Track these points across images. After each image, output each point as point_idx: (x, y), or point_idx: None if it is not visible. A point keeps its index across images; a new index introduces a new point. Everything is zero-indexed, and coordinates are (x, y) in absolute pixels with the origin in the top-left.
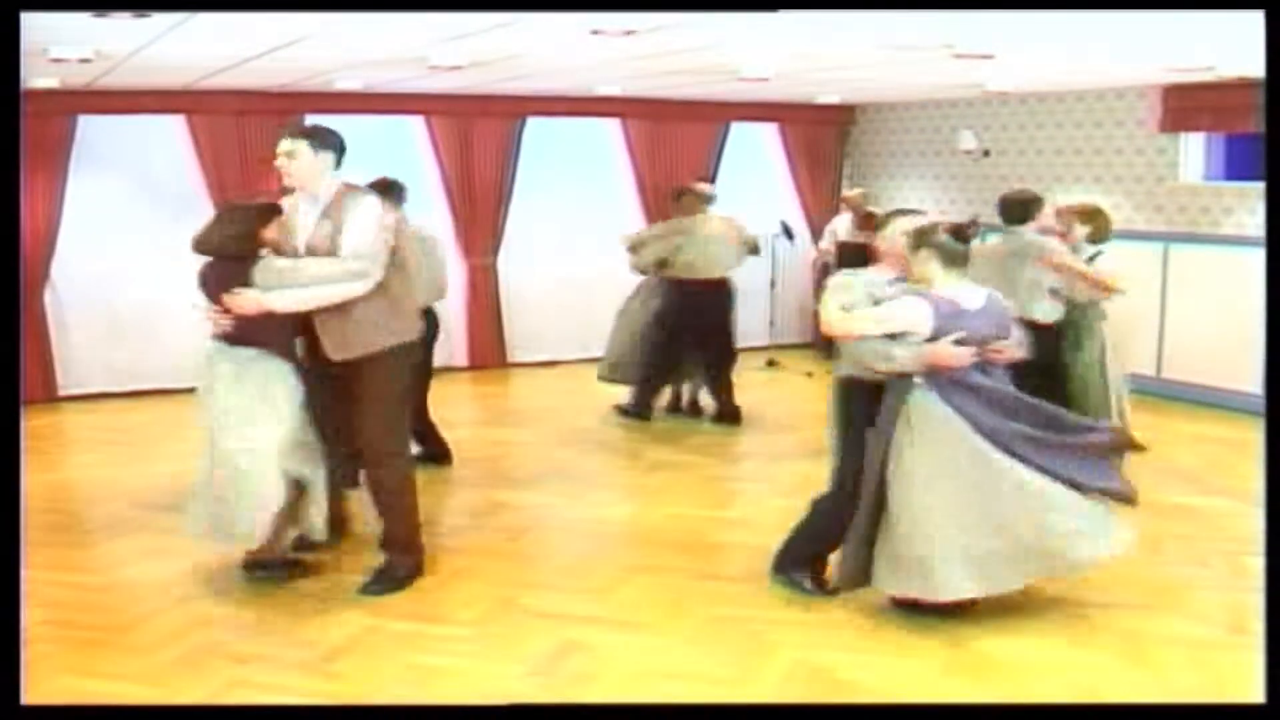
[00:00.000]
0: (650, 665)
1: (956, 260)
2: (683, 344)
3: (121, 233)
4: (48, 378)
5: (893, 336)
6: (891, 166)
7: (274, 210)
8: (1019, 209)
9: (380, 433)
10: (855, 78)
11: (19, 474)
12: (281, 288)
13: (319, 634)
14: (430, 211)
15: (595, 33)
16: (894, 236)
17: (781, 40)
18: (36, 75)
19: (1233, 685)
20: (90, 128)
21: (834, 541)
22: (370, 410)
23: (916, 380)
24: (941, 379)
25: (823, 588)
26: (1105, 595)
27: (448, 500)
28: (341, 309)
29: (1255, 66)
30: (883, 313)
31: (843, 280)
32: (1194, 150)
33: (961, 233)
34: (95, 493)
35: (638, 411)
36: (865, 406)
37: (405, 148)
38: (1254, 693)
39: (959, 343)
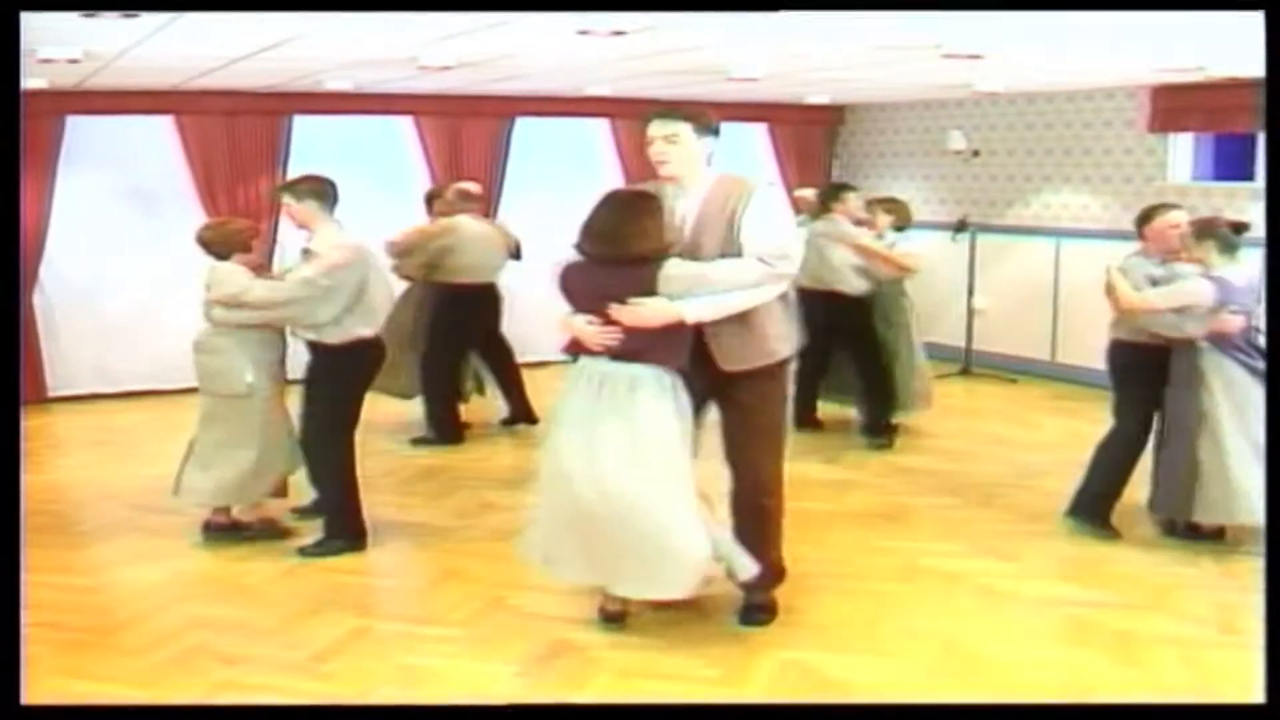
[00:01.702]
0: (640, 665)
1: (1231, 248)
2: (458, 354)
3: (110, 233)
4: (37, 379)
5: (1178, 311)
6: (881, 167)
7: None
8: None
9: (772, 456)
10: (844, 78)
11: (19, 474)
12: (690, 294)
13: (310, 635)
14: (420, 212)
15: (583, 33)
16: (1162, 227)
17: (770, 40)
18: (25, 76)
19: (1224, 685)
20: (78, 128)
21: (1119, 484)
22: (760, 429)
23: (1203, 345)
24: (1224, 342)
25: (1110, 529)
26: (1096, 595)
27: (437, 501)
28: (740, 315)
29: (1245, 67)
30: (1171, 292)
31: (1123, 264)
32: (1183, 150)
33: (1239, 228)
34: (86, 494)
35: (441, 438)
36: (1133, 363)
37: (395, 148)
38: (1245, 692)
39: (1233, 313)
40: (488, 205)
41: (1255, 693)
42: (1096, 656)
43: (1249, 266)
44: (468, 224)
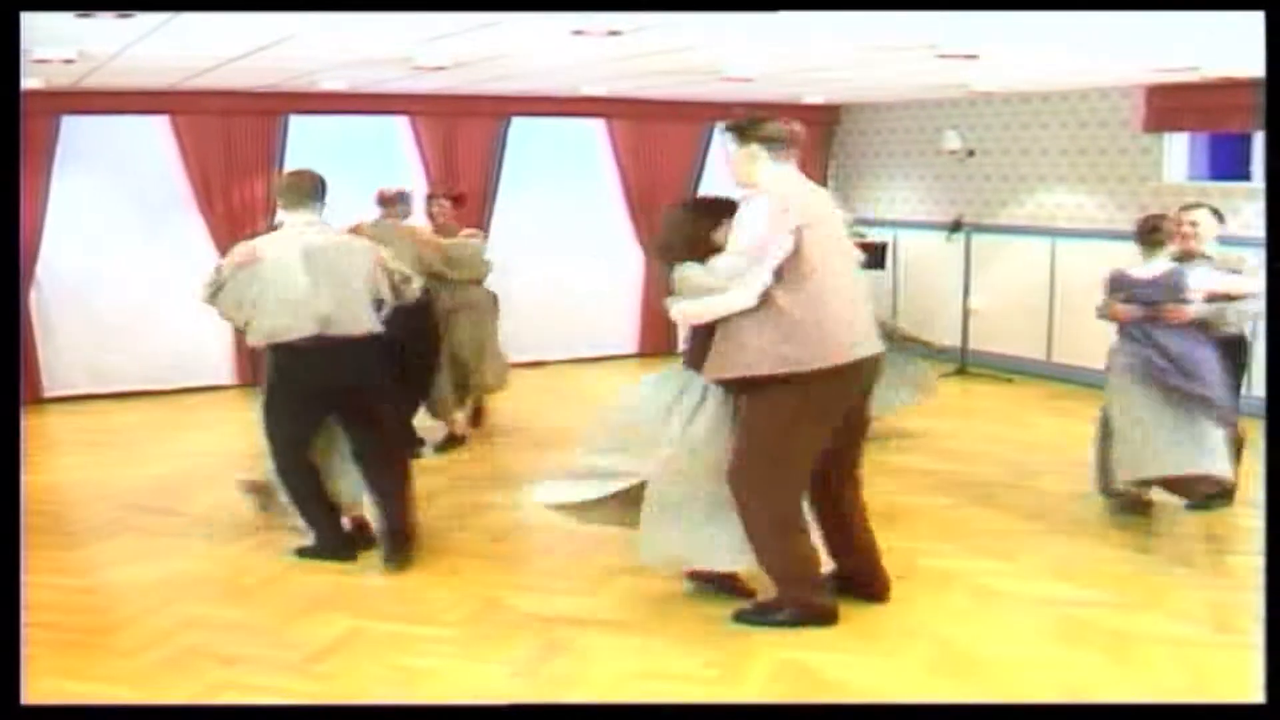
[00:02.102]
0: (635, 665)
1: (1148, 245)
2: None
3: (106, 234)
4: (32, 380)
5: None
6: (876, 166)
7: (729, 208)
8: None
9: (739, 464)
10: (839, 78)
11: (19, 475)
12: (690, 296)
13: (305, 635)
14: (415, 212)
15: (578, 33)
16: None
17: (765, 40)
18: (20, 76)
19: (1218, 684)
20: (74, 128)
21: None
22: (739, 438)
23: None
24: (1120, 329)
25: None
26: (1090, 594)
27: (432, 501)
28: (726, 323)
29: (1239, 66)
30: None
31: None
32: (1178, 150)
33: (1152, 225)
34: (81, 495)
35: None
36: None
37: (390, 148)
38: (1240, 691)
39: (1126, 301)
40: (481, 205)
41: (1250, 692)
42: (1092, 656)
43: (1159, 265)
44: (364, 228)
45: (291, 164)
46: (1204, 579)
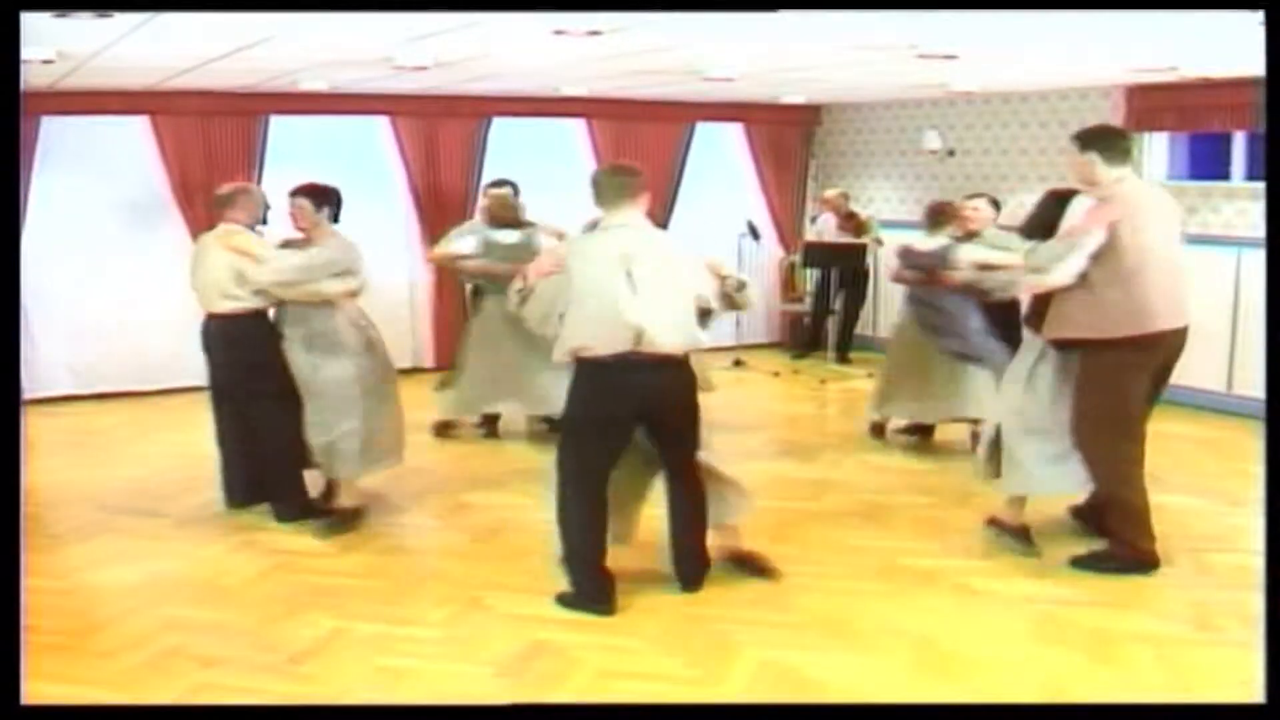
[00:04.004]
0: (618, 665)
1: (932, 225)
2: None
3: (86, 234)
4: None
5: None
6: (857, 166)
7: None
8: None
9: (1078, 419)
10: (820, 78)
11: (19, 475)
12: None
13: (286, 636)
14: (397, 212)
15: (558, 33)
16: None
17: (746, 40)
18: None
19: (1199, 682)
20: (53, 129)
21: None
22: (1076, 396)
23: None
24: (909, 290)
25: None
26: (1071, 593)
27: (415, 502)
28: (1061, 294)
29: (1218, 66)
30: None
31: None
32: (1158, 150)
33: (937, 209)
34: (60, 496)
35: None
36: None
37: (370, 148)
38: (1220, 689)
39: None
40: (462, 205)
41: (1230, 690)
42: (1073, 654)
43: (937, 240)
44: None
45: (272, 165)
46: (1184, 577)
